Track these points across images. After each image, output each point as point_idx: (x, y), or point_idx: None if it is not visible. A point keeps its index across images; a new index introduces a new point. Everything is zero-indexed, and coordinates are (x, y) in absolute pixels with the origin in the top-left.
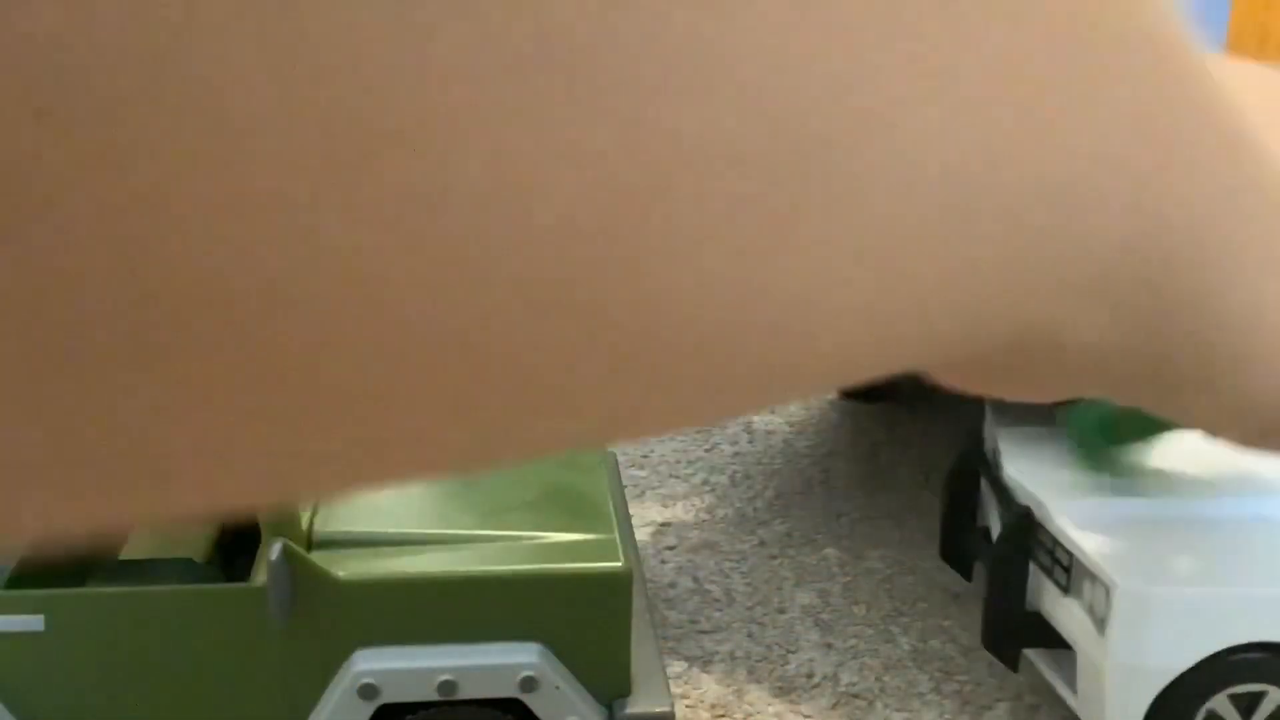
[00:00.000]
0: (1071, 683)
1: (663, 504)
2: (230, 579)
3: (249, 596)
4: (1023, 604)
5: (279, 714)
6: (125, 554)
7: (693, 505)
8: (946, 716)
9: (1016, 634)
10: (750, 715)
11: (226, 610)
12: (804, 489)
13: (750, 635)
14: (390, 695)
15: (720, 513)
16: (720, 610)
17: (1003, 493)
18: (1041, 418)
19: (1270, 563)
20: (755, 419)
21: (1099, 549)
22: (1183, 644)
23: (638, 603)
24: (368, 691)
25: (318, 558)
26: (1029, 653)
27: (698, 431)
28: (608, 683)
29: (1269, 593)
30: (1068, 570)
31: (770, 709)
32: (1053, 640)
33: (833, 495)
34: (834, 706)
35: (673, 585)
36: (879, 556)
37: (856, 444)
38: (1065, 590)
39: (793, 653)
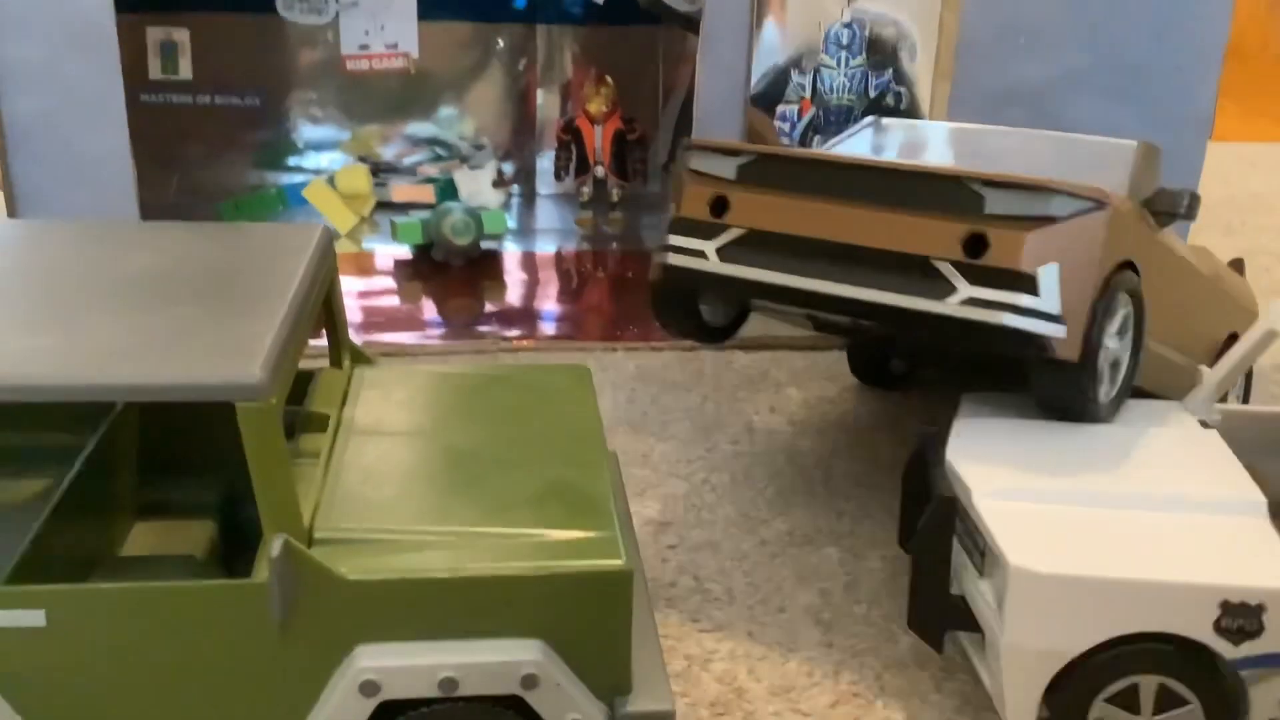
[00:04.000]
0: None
1: (664, 503)
2: (232, 576)
3: (250, 593)
4: (947, 587)
5: (279, 710)
6: (126, 550)
7: (694, 504)
8: (947, 716)
9: (941, 617)
10: (750, 714)
11: (227, 606)
12: (805, 488)
13: (750, 634)
14: (391, 692)
15: (721, 512)
16: (721, 609)
17: (939, 479)
18: (1007, 409)
19: (1177, 554)
20: (755, 418)
21: (1007, 532)
22: (1077, 628)
23: (639, 601)
24: (369, 688)
25: (318, 554)
26: (962, 636)
27: (699, 430)
28: (608, 680)
29: (1166, 582)
30: (983, 554)
31: (770, 708)
32: (976, 624)
33: (834, 494)
34: (834, 705)
35: (673, 584)
36: (879, 556)
37: (858, 443)
38: (981, 574)
39: (793, 652)
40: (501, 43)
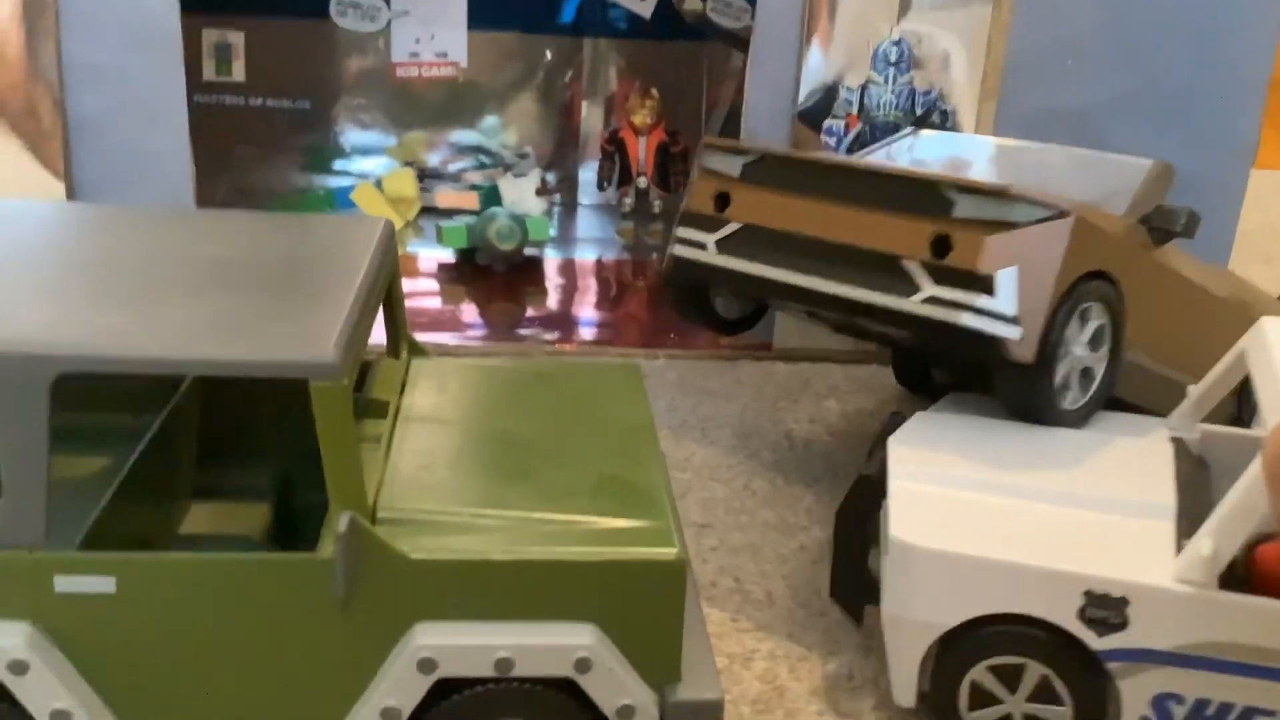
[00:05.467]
0: None
1: (704, 506)
2: None
3: (314, 567)
4: (864, 563)
5: (339, 682)
6: (184, 530)
7: (734, 508)
8: None
9: (859, 591)
10: (792, 713)
11: (292, 580)
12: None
13: (791, 635)
14: (448, 670)
15: (760, 517)
16: (761, 610)
17: (875, 461)
18: (981, 409)
19: (1056, 543)
20: (795, 428)
21: (903, 510)
22: (949, 603)
23: (689, 593)
24: (426, 665)
25: (381, 533)
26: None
27: (739, 438)
28: (659, 668)
29: (1033, 566)
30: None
31: (811, 707)
32: None
33: None
34: (874, 708)
35: (714, 584)
36: None
37: None
38: (885, 550)
39: (833, 655)
40: (549, 54)
